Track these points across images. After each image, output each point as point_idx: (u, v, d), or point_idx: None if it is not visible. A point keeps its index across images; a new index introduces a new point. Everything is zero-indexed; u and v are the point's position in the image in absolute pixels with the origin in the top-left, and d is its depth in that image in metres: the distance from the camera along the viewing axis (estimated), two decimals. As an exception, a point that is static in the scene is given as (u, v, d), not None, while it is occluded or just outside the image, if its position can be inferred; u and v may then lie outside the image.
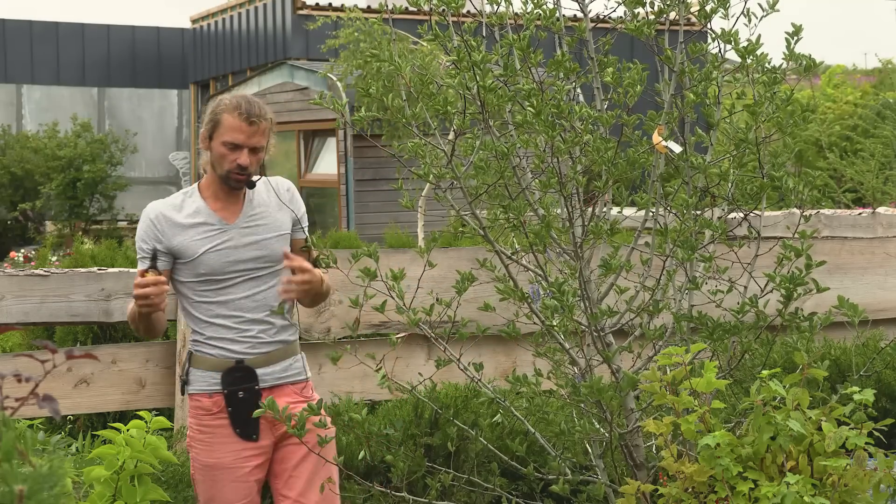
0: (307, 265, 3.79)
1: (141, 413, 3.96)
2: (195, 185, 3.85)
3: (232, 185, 3.75)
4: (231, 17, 20.84)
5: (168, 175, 23.25)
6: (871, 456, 3.96)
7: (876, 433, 3.99)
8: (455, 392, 4.82)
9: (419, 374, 4.60)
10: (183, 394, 3.87)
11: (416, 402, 4.72)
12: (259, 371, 3.80)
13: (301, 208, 3.94)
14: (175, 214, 3.76)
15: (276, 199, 3.86)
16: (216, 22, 21.50)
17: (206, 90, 22.16)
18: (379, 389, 4.41)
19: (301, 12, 17.95)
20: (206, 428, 3.78)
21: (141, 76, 23.52)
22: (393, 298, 4.30)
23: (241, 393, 3.76)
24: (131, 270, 5.23)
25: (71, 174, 20.04)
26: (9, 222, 21.05)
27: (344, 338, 5.16)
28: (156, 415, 3.96)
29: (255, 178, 3.80)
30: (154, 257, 3.64)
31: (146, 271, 3.57)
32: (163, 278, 3.55)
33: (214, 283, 3.75)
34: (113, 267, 6.25)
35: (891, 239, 6.76)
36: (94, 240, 16.33)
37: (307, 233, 3.94)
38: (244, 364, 3.77)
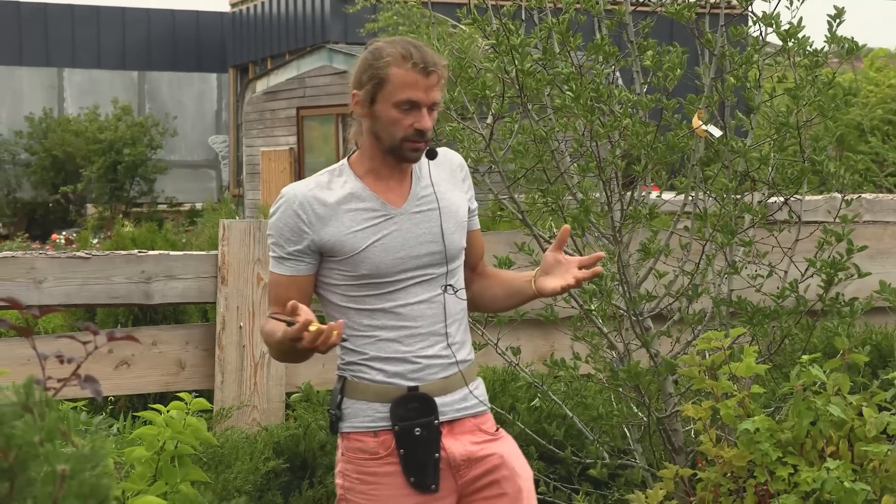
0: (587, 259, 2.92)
1: (181, 394, 3.99)
2: (342, 161, 2.94)
3: (406, 157, 2.85)
4: (270, 0, 20.90)
5: (207, 158, 23.37)
6: (911, 442, 3.93)
7: (917, 419, 3.96)
8: (493, 376, 4.82)
9: (457, 357, 4.60)
10: (334, 432, 2.93)
11: (453, 386, 4.73)
12: (438, 401, 2.88)
13: (472, 190, 3.10)
14: (326, 198, 2.85)
15: (447, 177, 2.97)
16: (255, 6, 21.57)
17: (245, 74, 22.24)
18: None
19: (340, -4, 17.97)
20: (369, 477, 2.86)
21: (181, 60, 23.65)
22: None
23: (418, 429, 2.84)
24: (171, 253, 5.26)
25: (111, 157, 20.19)
26: (50, 205, 21.26)
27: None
28: (195, 396, 3.99)
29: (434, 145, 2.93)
30: (300, 258, 2.86)
31: (301, 322, 2.59)
32: (336, 330, 2.62)
33: (379, 286, 2.84)
34: (153, 249, 6.30)
35: (933, 224, 6.69)
36: (134, 222, 16.45)
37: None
38: (419, 392, 2.86)
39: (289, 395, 5.16)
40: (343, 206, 2.84)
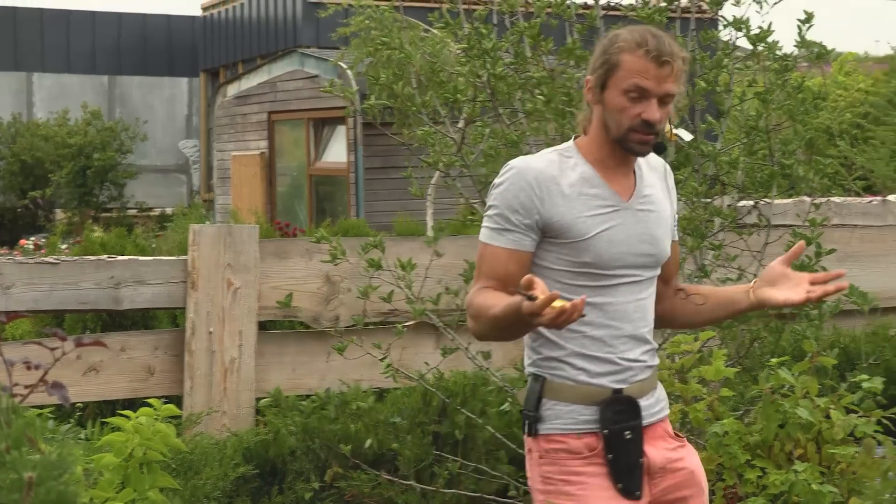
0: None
1: (150, 401, 3.97)
2: (569, 143, 2.80)
3: (633, 150, 2.71)
4: (241, 4, 20.85)
5: (178, 163, 23.27)
6: (879, 444, 3.96)
7: (885, 421, 3.98)
8: (463, 380, 4.82)
9: (426, 362, 4.60)
10: (531, 433, 2.77)
11: (424, 391, 4.73)
12: (641, 403, 2.78)
13: (675, 201, 2.94)
14: (558, 177, 2.72)
15: (660, 182, 2.86)
16: (227, 10, 21.51)
17: (216, 78, 22.17)
18: (387, 378, 4.41)
19: (312, 0, 17.95)
20: (575, 476, 2.72)
21: (151, 64, 23.53)
22: (401, 288, 4.30)
23: (628, 433, 2.73)
24: (141, 259, 5.23)
25: (81, 162, 20.07)
26: (19, 210, 21.10)
27: (353, 326, 5.17)
28: (165, 402, 3.96)
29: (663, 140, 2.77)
30: (526, 233, 2.70)
31: (552, 298, 2.39)
32: (579, 307, 2.42)
33: (596, 277, 2.71)
34: (122, 255, 6.26)
35: (901, 227, 6.74)
36: (103, 228, 16.36)
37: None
38: (624, 395, 2.74)
39: (258, 400, 5.14)
40: (575, 188, 2.71)
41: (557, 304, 2.39)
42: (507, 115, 4.16)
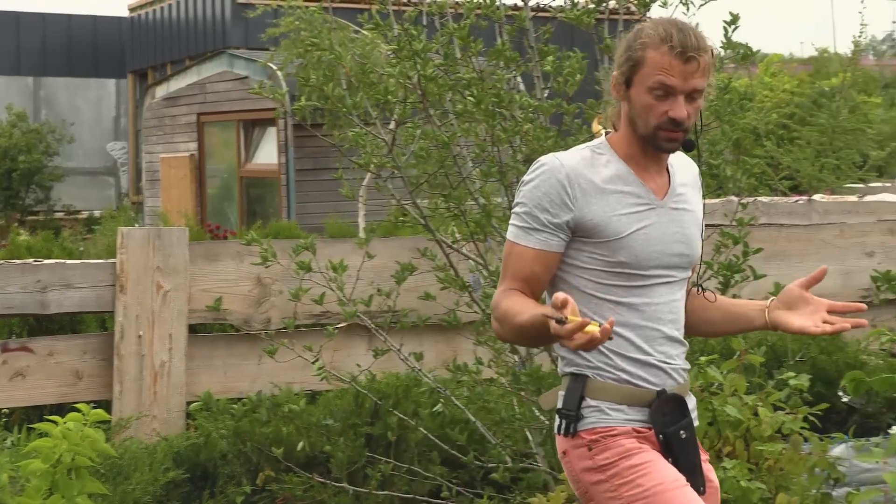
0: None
1: (79, 405, 3.92)
2: (601, 139, 2.71)
3: (662, 147, 2.62)
4: (170, 5, 20.65)
5: (106, 165, 22.99)
6: (806, 440, 4.02)
7: (811, 418, 4.04)
8: (396, 381, 4.81)
9: (357, 364, 4.60)
10: (567, 433, 2.64)
11: (356, 393, 4.72)
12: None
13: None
14: (592, 175, 2.63)
15: (691, 182, 2.78)
16: (154, 10, 21.30)
17: (143, 80, 21.94)
18: (320, 380, 4.40)
19: (241, 1, 17.84)
20: (636, 450, 2.60)
21: (77, 65, 23.22)
22: (332, 290, 4.29)
23: (683, 432, 2.62)
24: (68, 262, 5.16)
25: (6, 165, 19.76)
26: (-57, 214, 20.74)
27: (284, 328, 5.14)
28: (94, 407, 3.92)
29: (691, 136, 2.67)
30: (557, 233, 2.60)
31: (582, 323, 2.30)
32: (608, 330, 2.33)
33: (631, 277, 2.62)
34: (49, 258, 6.17)
35: (826, 226, 6.85)
36: (29, 231, 16.12)
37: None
38: (671, 394, 2.63)
39: (189, 404, 5.10)
40: (609, 185, 2.62)
41: (590, 328, 2.30)
42: (437, 117, 4.16)
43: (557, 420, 2.63)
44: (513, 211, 2.65)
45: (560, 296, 2.33)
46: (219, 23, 18.81)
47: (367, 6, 4.47)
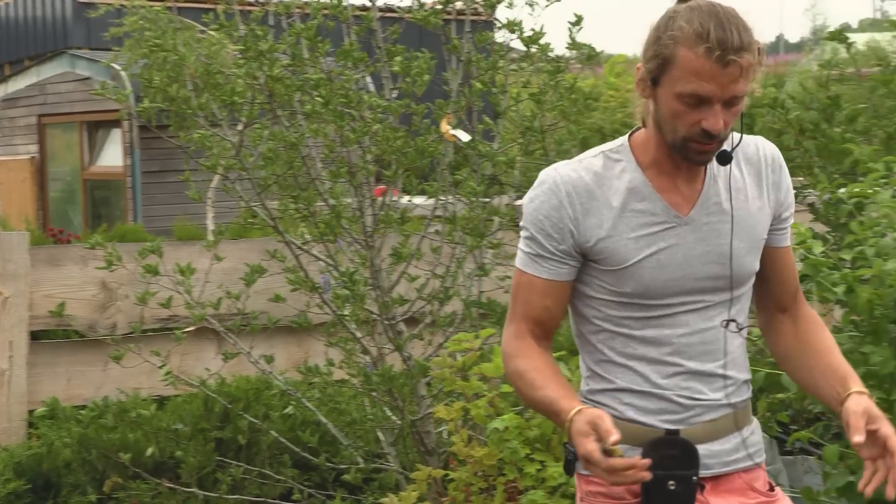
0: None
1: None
2: (622, 139, 2.30)
3: (690, 160, 2.19)
4: (7, 4, 20.06)
5: (-59, 169, 22.23)
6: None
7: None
8: (246, 385, 4.77)
9: (207, 368, 4.54)
10: (570, 473, 2.32)
11: (205, 397, 4.65)
12: (702, 449, 2.27)
13: (790, 193, 2.37)
14: (597, 188, 2.24)
15: (753, 179, 2.31)
16: (-9, 9, 20.66)
17: (-19, 80, 21.26)
18: (168, 385, 4.32)
19: (83, 0, 17.43)
20: None
21: (-90, 65, 22.39)
22: (180, 293, 4.22)
23: (672, 483, 2.23)
24: None
25: None
26: None
27: (131, 333, 5.04)
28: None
29: (728, 147, 2.24)
30: (563, 260, 2.26)
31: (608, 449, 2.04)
32: (642, 465, 2.05)
33: (643, 308, 2.25)
34: None
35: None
36: None
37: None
38: (679, 437, 2.26)
39: (31, 412, 4.96)
40: (618, 202, 2.23)
41: (629, 476, 2.05)
42: (286, 117, 4.13)
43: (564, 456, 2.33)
44: (520, 234, 2.34)
45: (611, 435, 2.04)
46: (59, 22, 18.34)
47: (212, 6, 4.40)
